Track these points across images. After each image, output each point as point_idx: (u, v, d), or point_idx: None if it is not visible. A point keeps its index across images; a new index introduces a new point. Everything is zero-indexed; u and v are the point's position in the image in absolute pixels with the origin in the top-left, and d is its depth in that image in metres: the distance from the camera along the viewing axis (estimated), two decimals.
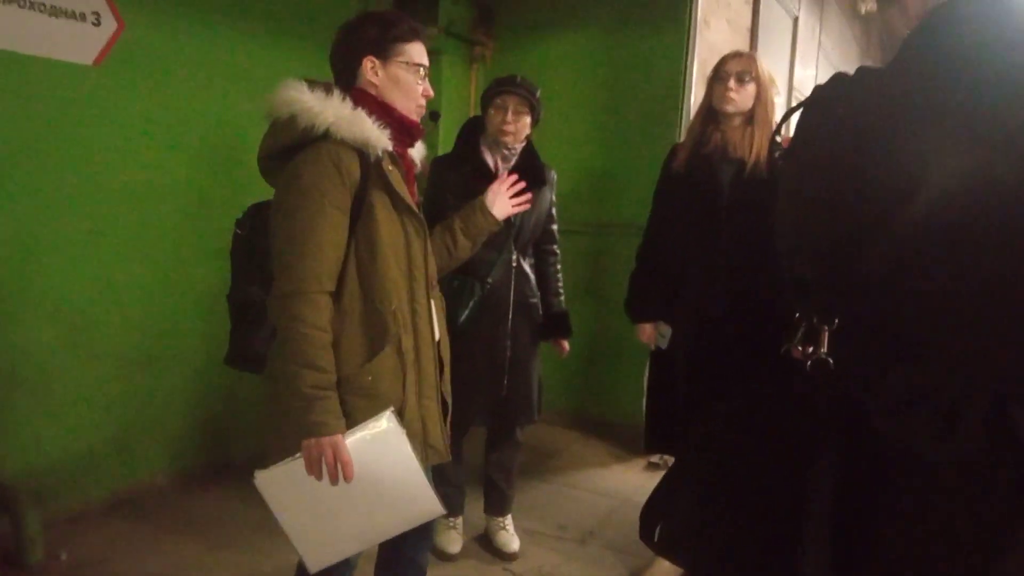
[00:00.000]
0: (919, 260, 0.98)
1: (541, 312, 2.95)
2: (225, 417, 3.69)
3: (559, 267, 3.04)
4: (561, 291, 3.05)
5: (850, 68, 1.14)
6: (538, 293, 2.94)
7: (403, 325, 1.77)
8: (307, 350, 1.64)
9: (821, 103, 1.12)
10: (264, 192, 3.72)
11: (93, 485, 3.14)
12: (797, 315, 1.09)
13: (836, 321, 1.04)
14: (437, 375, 1.89)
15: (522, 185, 2.24)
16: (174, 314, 3.42)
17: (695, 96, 3.95)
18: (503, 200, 2.17)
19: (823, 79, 1.15)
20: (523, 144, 2.80)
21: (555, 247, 3.03)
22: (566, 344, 3.05)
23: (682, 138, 3.22)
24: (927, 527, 0.97)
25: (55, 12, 2.84)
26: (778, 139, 1.20)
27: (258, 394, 3.82)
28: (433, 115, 1.89)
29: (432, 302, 1.89)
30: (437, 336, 1.91)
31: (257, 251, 1.86)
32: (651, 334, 2.96)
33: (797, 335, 1.08)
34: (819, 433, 1.03)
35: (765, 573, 1.08)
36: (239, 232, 1.99)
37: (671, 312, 2.81)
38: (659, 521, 1.22)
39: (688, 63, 4.00)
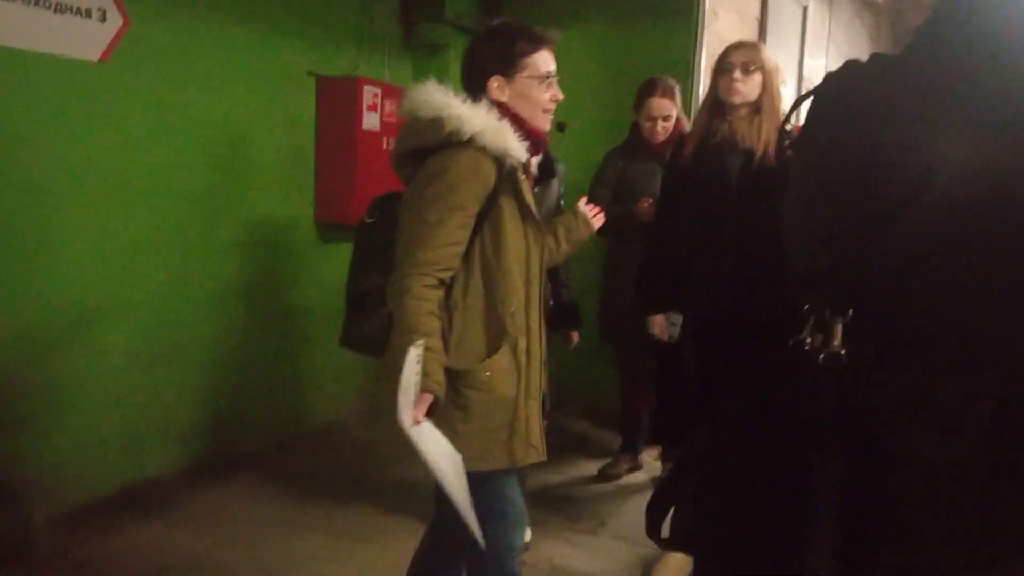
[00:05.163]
0: (932, 253, 0.96)
1: (552, 304, 2.94)
2: (233, 412, 3.70)
3: (567, 259, 3.03)
4: (569, 283, 3.04)
5: (860, 57, 1.12)
6: (549, 285, 2.93)
7: (520, 327, 1.86)
8: (409, 317, 1.71)
9: (833, 91, 1.10)
10: (266, 189, 3.75)
11: (101, 481, 3.14)
12: (806, 307, 1.07)
13: (850, 313, 1.02)
14: (540, 374, 1.96)
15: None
16: (182, 310, 3.42)
17: (703, 87, 3.92)
18: (591, 214, 2.26)
19: (833, 69, 1.13)
20: None
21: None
22: (576, 336, 3.04)
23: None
24: (930, 530, 0.96)
25: (60, 8, 2.83)
26: (788, 128, 1.17)
27: (267, 387, 3.86)
28: (560, 125, 1.95)
29: (542, 306, 1.97)
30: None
31: (380, 241, 1.94)
32: (662, 325, 2.96)
33: (807, 328, 1.06)
34: (826, 430, 1.02)
35: (771, 571, 1.07)
36: (368, 221, 2.06)
37: (680, 303, 2.80)
38: (664, 517, 1.21)
39: (696, 54, 3.98)
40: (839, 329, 1.01)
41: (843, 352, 1.01)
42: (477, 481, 1.78)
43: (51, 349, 2.95)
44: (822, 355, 1.01)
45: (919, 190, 0.95)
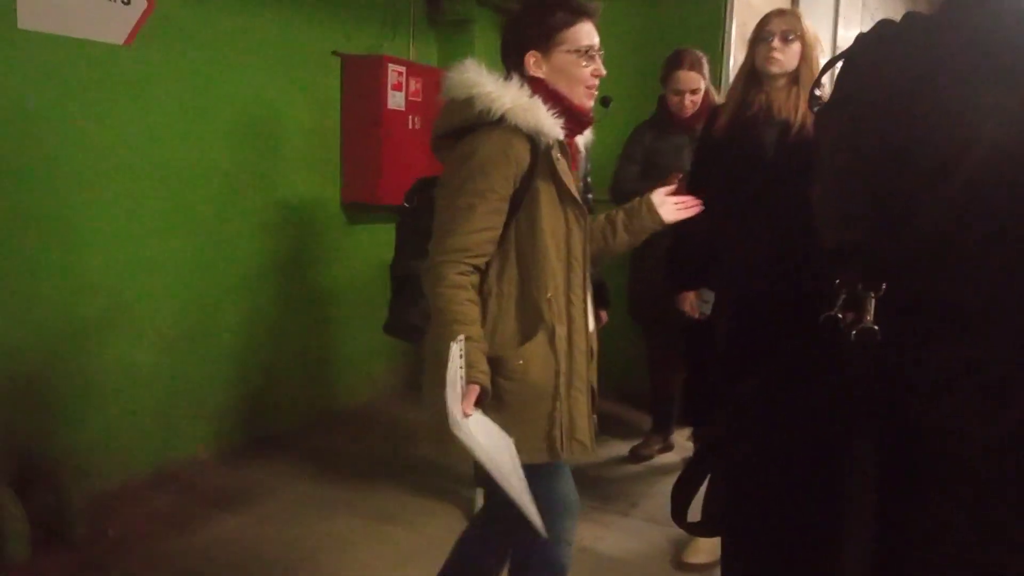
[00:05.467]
0: (975, 219, 0.91)
1: None
2: (266, 391, 3.73)
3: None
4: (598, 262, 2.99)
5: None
6: None
7: (557, 314, 1.78)
8: (447, 307, 1.66)
9: (865, 53, 1.04)
10: (293, 170, 3.75)
11: (136, 460, 3.19)
12: (837, 281, 1.02)
13: (883, 287, 0.97)
14: (587, 366, 1.87)
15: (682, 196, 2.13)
16: (213, 290, 3.44)
17: (734, 59, 3.83)
18: (671, 204, 2.06)
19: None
20: None
21: (591, 217, 2.97)
22: (604, 315, 2.99)
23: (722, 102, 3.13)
24: (971, 517, 0.92)
25: None
26: (817, 93, 1.11)
27: (298, 367, 3.88)
28: (604, 100, 1.82)
29: (587, 292, 1.89)
30: (591, 327, 1.90)
31: (421, 225, 1.88)
32: (693, 302, 2.90)
33: (838, 303, 1.01)
34: (860, 408, 0.98)
35: (803, 555, 1.04)
36: (406, 206, 2.05)
37: (711, 280, 2.74)
38: (690, 501, 1.18)
39: (727, 25, 3.88)
40: (872, 304, 0.96)
41: (876, 328, 0.96)
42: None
43: (83, 331, 2.99)
44: (854, 331, 0.97)
45: (960, 156, 0.90)
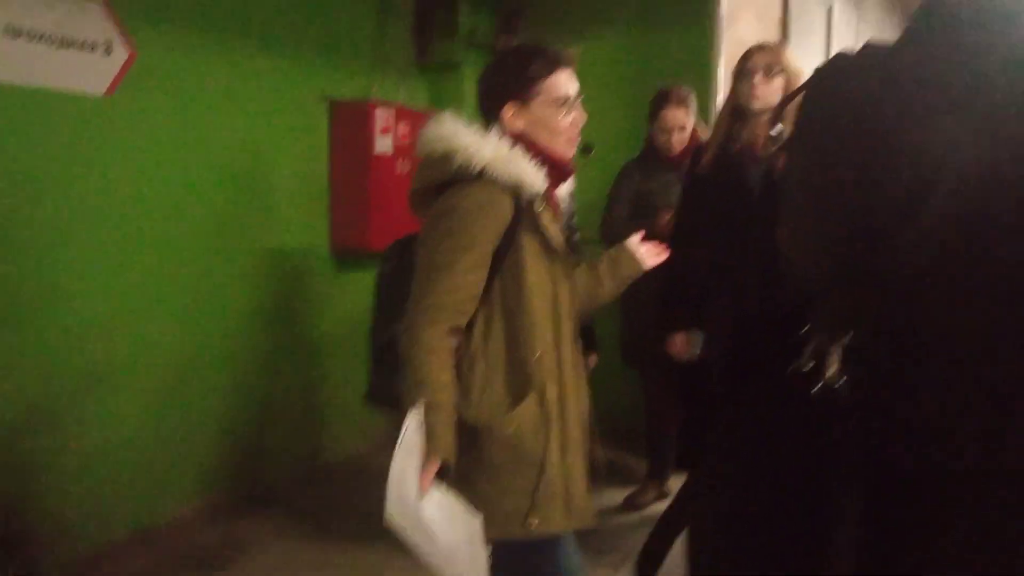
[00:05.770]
0: (946, 254, 0.87)
1: None
2: (253, 445, 3.64)
3: None
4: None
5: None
6: None
7: (548, 373, 1.71)
8: (418, 370, 1.61)
9: (825, 87, 0.99)
10: (282, 218, 3.70)
11: (118, 520, 3.09)
12: (805, 329, 0.96)
13: (850, 335, 0.91)
14: (581, 427, 1.79)
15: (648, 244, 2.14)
16: (199, 341, 3.38)
17: (723, 94, 3.80)
18: (643, 251, 2.06)
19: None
20: None
21: (578, 258, 2.92)
22: (593, 359, 2.93)
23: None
24: (971, 517, 0.87)
25: (64, 44, 2.82)
26: (773, 133, 1.06)
27: (287, 419, 3.78)
28: (585, 148, 1.82)
29: (577, 348, 1.82)
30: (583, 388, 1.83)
31: (401, 289, 1.83)
32: (683, 344, 2.83)
33: (806, 353, 0.95)
34: (837, 462, 0.91)
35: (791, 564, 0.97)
36: (385, 268, 2.00)
37: (701, 320, 2.67)
38: (659, 567, 1.11)
39: (714, 60, 3.87)
40: (837, 355, 0.90)
41: (842, 380, 0.89)
42: (516, 549, 1.66)
43: (64, 387, 2.92)
44: (818, 387, 0.90)
45: (927, 189, 0.85)
